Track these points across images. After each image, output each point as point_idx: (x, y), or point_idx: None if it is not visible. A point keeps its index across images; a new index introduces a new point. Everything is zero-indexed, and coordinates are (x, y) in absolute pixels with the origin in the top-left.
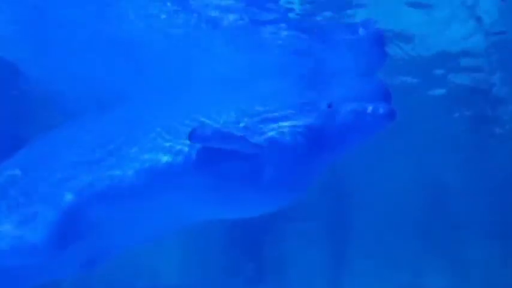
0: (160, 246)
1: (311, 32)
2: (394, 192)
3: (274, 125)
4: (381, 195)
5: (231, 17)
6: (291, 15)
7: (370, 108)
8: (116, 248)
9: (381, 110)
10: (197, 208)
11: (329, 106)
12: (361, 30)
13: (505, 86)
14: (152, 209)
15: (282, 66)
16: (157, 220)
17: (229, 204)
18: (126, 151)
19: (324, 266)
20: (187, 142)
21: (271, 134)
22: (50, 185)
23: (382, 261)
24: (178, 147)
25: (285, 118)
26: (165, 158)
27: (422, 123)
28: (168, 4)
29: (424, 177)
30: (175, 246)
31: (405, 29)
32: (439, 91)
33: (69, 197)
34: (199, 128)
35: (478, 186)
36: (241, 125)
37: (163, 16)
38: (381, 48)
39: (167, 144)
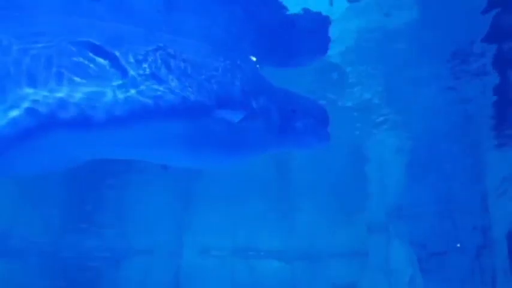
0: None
1: None
2: None
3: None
4: None
5: None
6: None
7: (309, 130)
8: None
9: (317, 137)
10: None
11: (292, 111)
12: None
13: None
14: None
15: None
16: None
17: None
18: None
19: (167, 218)
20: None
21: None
22: None
23: (225, 219)
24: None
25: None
26: None
27: None
28: None
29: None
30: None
31: None
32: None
33: None
34: None
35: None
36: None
37: None
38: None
39: None
